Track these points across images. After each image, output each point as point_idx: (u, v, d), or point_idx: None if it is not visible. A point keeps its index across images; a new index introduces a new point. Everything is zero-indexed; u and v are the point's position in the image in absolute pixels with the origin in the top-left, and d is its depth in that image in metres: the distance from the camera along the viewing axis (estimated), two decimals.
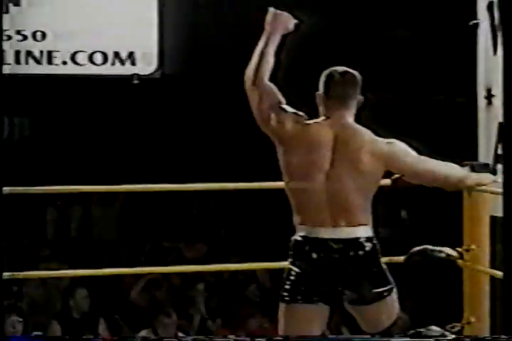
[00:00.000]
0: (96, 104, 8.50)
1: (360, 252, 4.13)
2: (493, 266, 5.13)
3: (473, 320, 5.16)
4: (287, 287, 4.20)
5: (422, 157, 4.19)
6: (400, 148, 4.17)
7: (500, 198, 4.85)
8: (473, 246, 5.17)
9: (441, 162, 4.25)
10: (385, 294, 4.19)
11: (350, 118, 4.19)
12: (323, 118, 4.20)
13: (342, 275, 4.14)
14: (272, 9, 4.35)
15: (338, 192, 4.11)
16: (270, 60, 4.26)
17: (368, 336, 4.22)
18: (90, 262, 9.44)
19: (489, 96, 5.39)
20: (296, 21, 4.40)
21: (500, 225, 5.10)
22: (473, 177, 4.42)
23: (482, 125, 5.49)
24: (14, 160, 8.00)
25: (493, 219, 5.16)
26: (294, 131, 4.15)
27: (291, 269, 4.20)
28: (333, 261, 4.12)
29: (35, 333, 7.72)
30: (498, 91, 5.31)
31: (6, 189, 4.05)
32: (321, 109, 4.24)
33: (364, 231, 4.13)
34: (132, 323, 8.45)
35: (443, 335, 5.02)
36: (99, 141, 9.77)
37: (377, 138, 4.18)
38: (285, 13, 4.39)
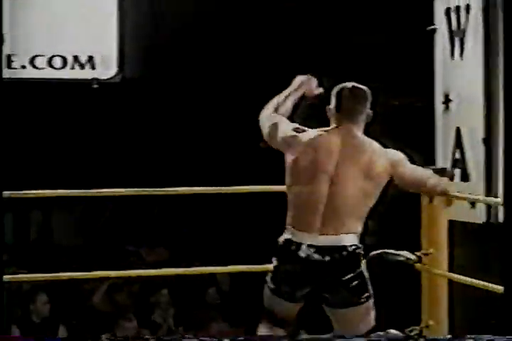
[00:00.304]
0: (55, 108, 8.49)
1: (343, 258, 4.19)
2: (451, 270, 5.21)
3: (431, 323, 5.16)
4: (271, 285, 4.32)
5: (415, 165, 4.36)
6: (402, 158, 4.32)
7: (457, 202, 5.07)
8: (431, 250, 5.16)
9: (426, 170, 4.50)
10: (363, 300, 4.28)
11: (358, 132, 4.32)
12: (333, 126, 4.35)
13: (323, 279, 4.21)
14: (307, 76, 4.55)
15: (340, 197, 4.20)
16: (286, 111, 4.46)
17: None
18: (50, 267, 9.46)
19: (446, 101, 5.49)
20: (321, 91, 4.58)
21: (457, 229, 5.48)
22: (444, 184, 4.55)
23: (439, 130, 5.59)
24: None
25: (451, 223, 5.23)
26: (303, 141, 4.28)
27: (277, 267, 4.29)
28: (316, 265, 4.19)
29: None
30: (455, 96, 5.51)
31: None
32: (331, 121, 4.38)
33: (351, 239, 4.20)
34: (93, 328, 8.45)
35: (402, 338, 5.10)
36: (58, 145, 9.69)
37: (382, 148, 4.32)
38: (314, 80, 4.58)
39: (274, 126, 4.37)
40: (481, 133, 5.36)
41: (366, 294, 4.31)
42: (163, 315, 8.74)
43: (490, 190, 5.30)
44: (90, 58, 6.18)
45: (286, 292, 4.40)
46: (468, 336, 3.66)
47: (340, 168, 4.27)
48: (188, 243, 10.23)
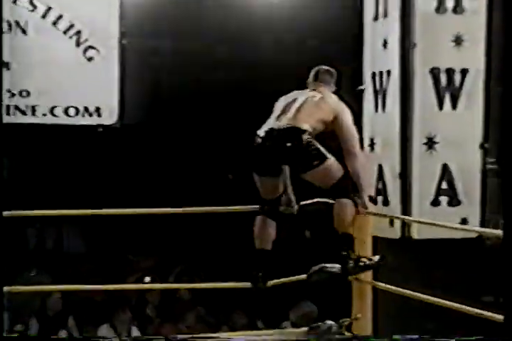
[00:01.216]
0: (68, 147, 8.50)
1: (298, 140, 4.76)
2: (375, 278, 5.33)
3: (359, 316, 5.39)
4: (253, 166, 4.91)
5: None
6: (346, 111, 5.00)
7: (380, 222, 5.46)
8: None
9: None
10: (316, 163, 4.76)
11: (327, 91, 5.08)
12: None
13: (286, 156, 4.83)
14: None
15: None
16: None
17: None
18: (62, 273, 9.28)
19: (372, 144, 5.77)
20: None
21: (380, 243, 5.50)
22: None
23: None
24: None
25: (375, 238, 5.39)
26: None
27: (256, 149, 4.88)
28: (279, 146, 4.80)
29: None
30: (378, 139, 5.75)
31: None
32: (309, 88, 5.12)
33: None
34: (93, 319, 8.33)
35: (331, 328, 5.48)
36: (71, 176, 9.48)
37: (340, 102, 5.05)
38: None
39: None
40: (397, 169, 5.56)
41: (318, 160, 4.76)
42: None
43: (405, 212, 5.52)
44: (97, 109, 6.44)
45: (259, 168, 4.91)
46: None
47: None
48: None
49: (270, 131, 4.86)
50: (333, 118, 4.94)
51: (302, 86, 5.21)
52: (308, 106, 4.94)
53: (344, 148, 4.93)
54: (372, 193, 5.59)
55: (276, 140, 4.84)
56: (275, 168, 4.92)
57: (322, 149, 4.82)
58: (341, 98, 5.12)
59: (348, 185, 4.92)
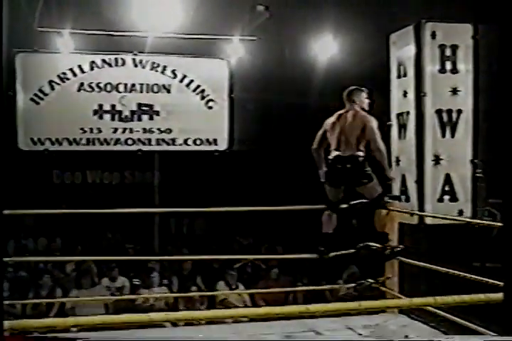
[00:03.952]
0: (196, 165, 8.58)
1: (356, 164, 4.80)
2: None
3: (390, 276, 5.43)
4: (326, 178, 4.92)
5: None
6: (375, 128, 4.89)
7: (401, 214, 5.35)
8: (390, 237, 5.28)
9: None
10: (365, 181, 4.84)
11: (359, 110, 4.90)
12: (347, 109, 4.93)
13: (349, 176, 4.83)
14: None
15: None
16: None
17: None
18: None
19: (398, 161, 5.74)
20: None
21: (404, 227, 5.49)
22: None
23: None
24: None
25: (401, 224, 5.37)
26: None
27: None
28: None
29: None
30: (403, 158, 5.69)
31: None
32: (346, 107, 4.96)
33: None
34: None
35: (371, 284, 5.48)
36: (198, 186, 9.57)
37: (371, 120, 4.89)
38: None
39: None
40: (415, 177, 5.51)
41: (368, 179, 4.83)
42: None
43: (421, 206, 5.56)
44: (215, 140, 6.62)
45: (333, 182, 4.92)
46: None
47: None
48: None
49: (337, 157, 4.91)
50: (364, 125, 4.85)
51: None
52: (353, 133, 4.83)
53: (372, 145, 4.86)
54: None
55: (340, 163, 4.90)
56: (339, 181, 5.00)
57: (370, 172, 4.85)
58: (370, 112, 4.99)
59: (383, 199, 4.97)
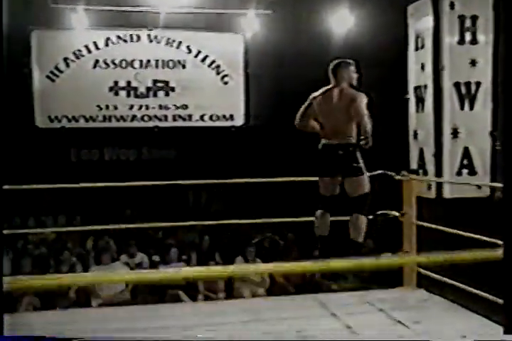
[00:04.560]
0: (213, 141, 8.34)
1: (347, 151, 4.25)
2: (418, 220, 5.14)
3: (408, 249, 5.29)
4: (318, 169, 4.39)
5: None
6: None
7: (420, 185, 5.33)
8: (407, 211, 5.27)
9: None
10: (359, 173, 4.28)
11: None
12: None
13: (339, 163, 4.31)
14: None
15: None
16: None
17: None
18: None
19: (415, 134, 5.72)
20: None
21: (421, 200, 5.35)
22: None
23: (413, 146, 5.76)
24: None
25: (419, 198, 5.29)
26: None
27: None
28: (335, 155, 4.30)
29: None
30: (420, 131, 5.67)
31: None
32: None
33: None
34: None
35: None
36: (215, 161, 9.17)
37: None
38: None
39: None
40: (433, 151, 5.55)
41: (361, 172, 4.28)
42: None
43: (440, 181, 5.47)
44: (231, 115, 6.75)
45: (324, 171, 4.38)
46: None
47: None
48: None
49: (325, 145, 4.40)
50: (350, 105, 4.26)
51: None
52: (340, 117, 4.30)
53: (362, 129, 4.26)
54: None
55: (330, 150, 4.39)
56: (334, 170, 4.43)
57: (361, 164, 4.34)
58: (359, 88, 4.51)
59: (367, 203, 4.39)
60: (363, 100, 4.25)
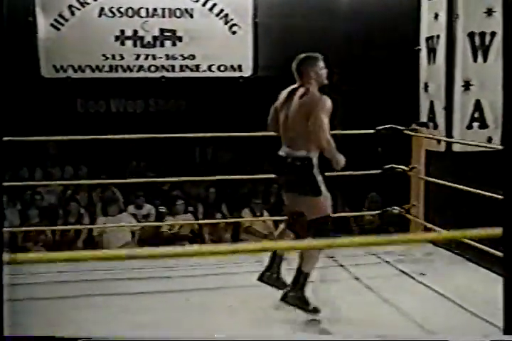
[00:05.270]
0: (221, 91, 8.57)
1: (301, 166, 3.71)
2: (427, 175, 5.36)
3: (415, 203, 5.50)
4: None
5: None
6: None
7: (432, 141, 5.37)
8: (416, 165, 5.47)
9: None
10: (313, 194, 3.71)
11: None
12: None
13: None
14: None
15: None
16: None
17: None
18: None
19: (426, 87, 5.61)
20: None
21: (430, 154, 5.54)
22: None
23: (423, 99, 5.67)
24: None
25: (427, 151, 5.49)
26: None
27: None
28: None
29: None
30: (431, 84, 5.55)
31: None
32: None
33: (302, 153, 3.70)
34: None
35: (398, 211, 5.50)
36: (222, 110, 9.48)
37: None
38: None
39: None
40: (443, 103, 5.40)
41: (315, 193, 3.72)
42: None
43: (449, 133, 5.43)
44: (239, 66, 6.51)
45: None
46: None
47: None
48: None
49: (278, 156, 3.85)
50: (308, 116, 3.68)
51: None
52: (295, 127, 3.75)
53: (313, 136, 3.67)
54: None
55: (283, 163, 3.81)
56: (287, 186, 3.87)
57: (320, 182, 3.72)
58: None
59: (323, 229, 3.74)
60: (322, 109, 3.62)
